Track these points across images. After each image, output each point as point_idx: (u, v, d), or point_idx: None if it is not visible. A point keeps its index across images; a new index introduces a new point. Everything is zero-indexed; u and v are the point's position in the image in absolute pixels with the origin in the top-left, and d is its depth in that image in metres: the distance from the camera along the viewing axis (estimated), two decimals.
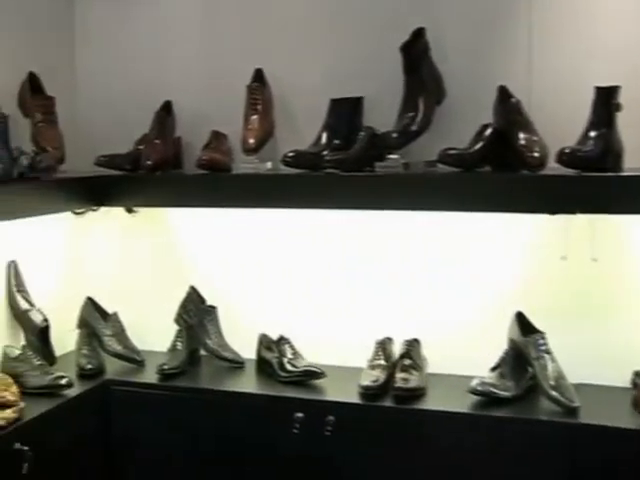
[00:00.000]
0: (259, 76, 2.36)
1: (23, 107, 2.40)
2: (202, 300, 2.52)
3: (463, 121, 2.19)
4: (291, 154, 2.20)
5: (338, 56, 2.36)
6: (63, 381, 2.24)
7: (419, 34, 2.16)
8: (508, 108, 2.10)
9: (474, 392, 2.07)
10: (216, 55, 2.51)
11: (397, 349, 2.31)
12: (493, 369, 2.15)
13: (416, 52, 2.16)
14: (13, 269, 2.40)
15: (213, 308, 2.50)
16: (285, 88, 2.39)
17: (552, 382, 1.99)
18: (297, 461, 2.18)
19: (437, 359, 2.29)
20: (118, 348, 2.49)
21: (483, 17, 2.25)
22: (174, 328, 2.49)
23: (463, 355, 2.27)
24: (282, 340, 2.36)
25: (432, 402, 2.13)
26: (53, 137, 2.36)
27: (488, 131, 2.11)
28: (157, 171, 2.37)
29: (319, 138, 2.28)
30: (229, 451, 2.25)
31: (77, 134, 2.55)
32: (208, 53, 2.52)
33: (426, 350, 2.31)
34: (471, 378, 2.11)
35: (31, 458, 1.99)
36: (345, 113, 2.29)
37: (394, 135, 2.14)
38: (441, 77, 2.22)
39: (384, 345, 2.30)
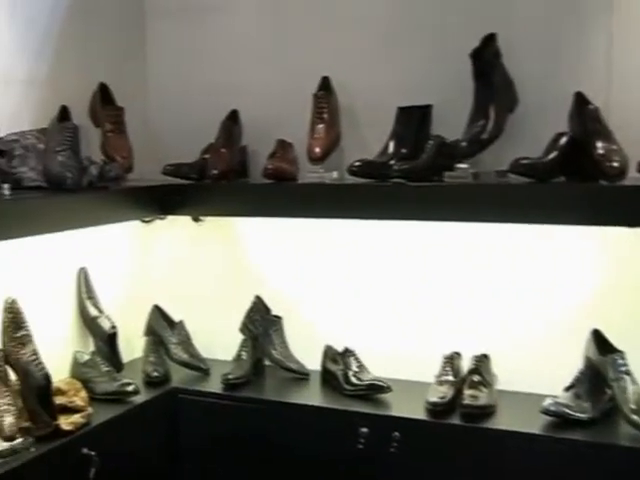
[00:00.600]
0: (326, 84, 2.38)
1: (94, 117, 2.47)
2: (267, 310, 2.54)
3: (536, 129, 2.15)
4: (357, 163, 2.20)
5: (406, 63, 2.35)
6: (130, 388, 2.30)
7: (490, 39, 2.14)
8: (585, 115, 2.04)
9: (547, 412, 2.01)
10: (283, 64, 2.53)
11: (466, 364, 2.27)
12: (567, 389, 2.09)
13: (487, 58, 2.14)
14: (83, 276, 2.48)
15: (278, 318, 2.52)
16: (352, 96, 2.40)
17: (633, 405, 1.92)
18: (361, 477, 2.17)
19: (507, 376, 2.25)
20: (184, 356, 2.54)
21: (559, 20, 2.20)
22: (239, 337, 2.52)
23: (535, 372, 2.22)
24: (347, 352, 2.36)
25: (502, 421, 2.09)
26: (122, 147, 2.42)
27: (563, 140, 2.06)
28: (223, 180, 2.40)
29: (386, 147, 2.27)
30: (291, 463, 2.26)
31: (146, 143, 2.62)
32: (275, 63, 2.55)
33: (496, 366, 2.27)
34: (543, 397, 2.05)
35: (98, 463, 2.06)
36: (413, 121, 2.27)
37: (463, 144, 2.12)
38: (513, 83, 2.18)
39: (452, 360, 2.28)
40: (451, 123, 2.22)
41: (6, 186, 1.97)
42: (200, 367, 2.52)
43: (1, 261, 2.15)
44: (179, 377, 2.50)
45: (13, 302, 2.06)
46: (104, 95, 2.48)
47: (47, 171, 2.11)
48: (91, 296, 2.48)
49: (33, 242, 2.11)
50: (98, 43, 2.55)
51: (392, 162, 2.21)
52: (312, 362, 2.47)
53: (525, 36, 2.21)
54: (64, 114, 2.28)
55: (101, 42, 2.56)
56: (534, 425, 2.02)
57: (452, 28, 2.28)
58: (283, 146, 2.41)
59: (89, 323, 2.46)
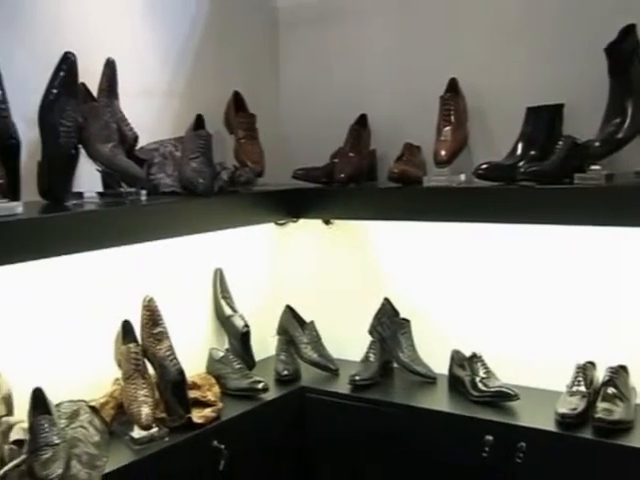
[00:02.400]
0: (453, 86, 2.41)
1: (228, 125, 2.65)
2: (396, 313, 2.61)
3: None
4: (484, 166, 2.23)
5: (535, 62, 2.36)
6: (260, 385, 2.44)
7: (628, 32, 2.09)
8: None
9: None
10: (410, 69, 2.60)
11: (600, 375, 2.24)
12: None
13: (624, 52, 2.10)
14: (219, 276, 2.66)
15: (407, 321, 2.59)
16: (480, 98, 2.42)
17: None
18: None
19: None
20: (314, 356, 2.66)
21: None
22: (368, 339, 2.61)
23: None
24: (475, 358, 2.40)
25: (639, 439, 2.04)
26: (253, 152, 2.57)
27: None
28: (351, 183, 2.49)
29: (515, 149, 2.29)
30: (414, 467, 2.33)
31: (277, 149, 2.77)
32: (403, 68, 2.62)
33: (635, 379, 2.22)
34: None
35: (227, 456, 2.20)
36: (543, 122, 2.27)
37: (597, 144, 2.10)
38: None
39: (585, 370, 2.26)
40: (584, 123, 2.19)
41: (143, 192, 2.14)
42: (329, 367, 2.64)
43: (140, 262, 2.36)
44: (308, 376, 2.62)
45: (151, 300, 2.26)
46: (238, 103, 2.65)
47: (181, 177, 2.29)
48: (226, 296, 2.66)
49: (171, 244, 2.27)
50: (232, 54, 2.73)
51: (520, 164, 2.22)
52: (439, 366, 2.52)
53: None
54: (199, 123, 2.45)
55: (235, 53, 2.74)
56: None
57: (584, 22, 2.26)
58: (410, 149, 2.47)
59: (224, 321, 2.64)
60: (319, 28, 2.79)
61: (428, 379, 2.52)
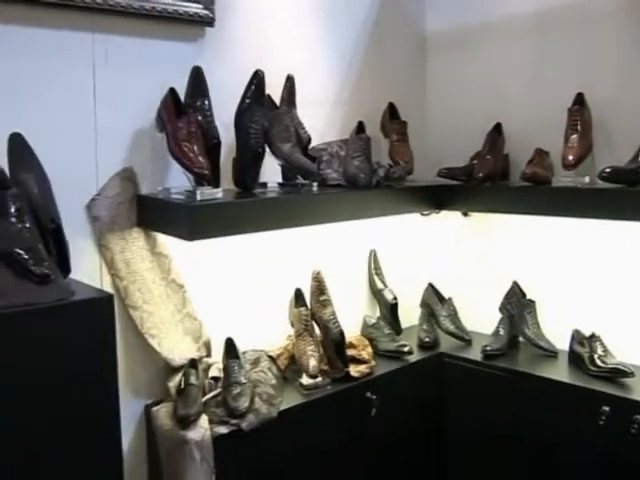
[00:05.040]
0: (580, 100, 2.36)
1: (383, 130, 2.70)
2: (523, 294, 2.58)
3: None
4: (608, 170, 2.15)
5: None
6: (406, 349, 2.49)
7: None
8: None
9: None
10: (541, 84, 2.55)
11: None
12: None
13: None
14: (373, 256, 2.73)
15: (532, 302, 2.55)
16: (604, 110, 2.35)
17: None
18: (600, 452, 2.15)
19: None
20: (451, 327, 2.67)
21: None
22: (498, 315, 2.60)
23: None
24: (594, 337, 2.33)
25: None
26: (405, 153, 2.60)
27: None
28: (487, 182, 2.48)
29: (636, 156, 2.19)
30: (532, 430, 2.31)
31: (424, 151, 2.80)
32: (535, 83, 2.57)
33: None
34: None
35: (377, 405, 2.28)
36: None
37: None
38: None
39: None
40: None
41: (315, 184, 2.21)
42: (464, 337, 2.65)
43: (311, 241, 2.47)
44: (446, 344, 2.64)
45: (318, 273, 2.37)
46: (392, 112, 2.70)
47: (345, 172, 2.35)
48: (378, 272, 2.72)
49: (335, 227, 2.36)
50: (388, 71, 2.77)
51: None
52: (560, 343, 2.47)
53: None
54: (360, 127, 2.49)
55: (390, 70, 2.78)
56: None
57: None
58: (540, 154, 2.44)
59: (376, 294, 2.70)
60: (460, 49, 2.80)
61: (550, 353, 2.48)
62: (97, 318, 1.57)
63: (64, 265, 1.71)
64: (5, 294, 1.49)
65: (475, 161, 2.57)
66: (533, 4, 2.56)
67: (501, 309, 2.61)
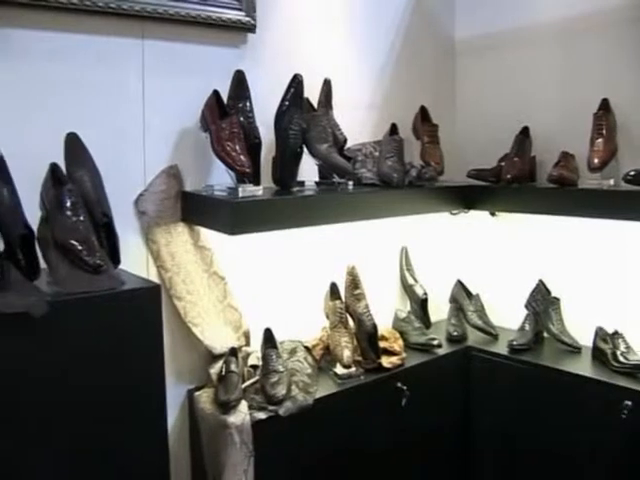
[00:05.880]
0: (605, 105, 2.33)
1: (415, 132, 2.69)
2: (548, 292, 2.55)
3: None
4: (632, 172, 2.13)
5: None
6: (435, 342, 2.47)
7: None
8: None
9: None
10: (568, 88, 2.52)
11: None
12: None
13: None
14: (404, 252, 2.72)
15: (557, 300, 2.52)
16: (627, 115, 2.32)
17: None
18: (621, 445, 2.12)
19: None
20: (478, 322, 2.65)
21: None
22: (524, 312, 2.57)
23: None
24: (616, 334, 2.30)
25: None
26: (436, 155, 2.58)
27: None
28: (514, 183, 2.45)
29: None
30: (558, 421, 2.28)
31: (454, 153, 2.77)
32: (561, 87, 2.54)
33: None
34: None
35: (408, 395, 2.27)
36: None
37: None
38: None
39: None
40: None
41: (350, 183, 2.21)
42: (491, 332, 2.62)
43: (345, 237, 2.47)
44: (473, 338, 2.61)
45: (353, 268, 2.36)
46: (424, 115, 2.68)
47: (379, 172, 2.35)
48: (409, 268, 2.71)
49: (369, 225, 2.35)
50: (419, 76, 2.76)
51: None
52: (584, 339, 2.44)
53: None
54: (393, 129, 2.52)
55: (421, 75, 2.77)
56: None
57: None
58: (566, 157, 2.40)
59: (407, 289, 2.69)
60: (489, 54, 2.77)
61: (574, 349, 2.44)
62: (145, 306, 1.60)
63: (115, 256, 1.73)
64: (62, 282, 1.52)
65: (503, 163, 2.54)
66: (561, 10, 2.53)
67: (527, 306, 2.58)
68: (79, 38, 1.87)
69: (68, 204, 1.59)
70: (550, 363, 2.36)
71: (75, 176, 1.72)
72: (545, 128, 2.55)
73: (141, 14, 1.95)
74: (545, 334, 2.56)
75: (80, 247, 1.56)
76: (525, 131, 2.57)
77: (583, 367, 2.31)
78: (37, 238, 1.60)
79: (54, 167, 1.68)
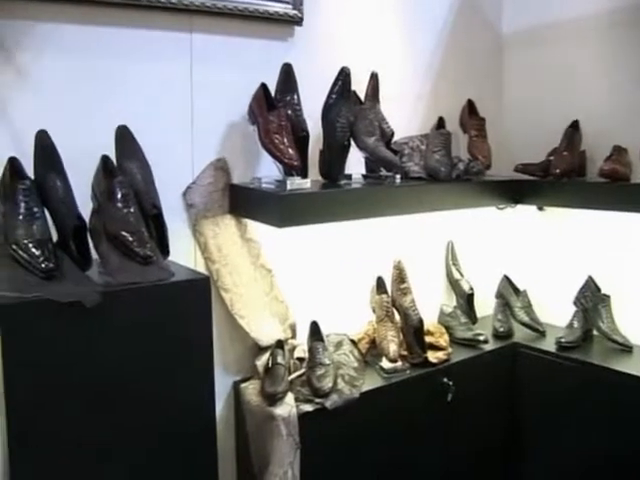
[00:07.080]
0: None
1: (462, 126, 2.62)
2: (598, 288, 2.46)
3: None
4: None
5: None
6: (481, 337, 2.42)
7: None
8: None
9: None
10: (618, 82, 2.41)
11: None
12: None
13: None
14: (450, 247, 2.65)
15: (607, 297, 2.42)
16: None
17: None
18: None
19: None
20: (525, 318, 2.57)
21: None
22: (572, 309, 2.48)
23: None
24: None
25: None
26: (483, 149, 2.51)
27: None
28: (563, 178, 2.37)
29: None
30: (604, 420, 2.20)
31: (502, 147, 2.68)
32: (611, 80, 2.43)
33: None
34: None
35: (454, 391, 2.21)
36: None
37: None
38: None
39: None
40: None
41: (397, 176, 2.16)
42: (538, 329, 2.54)
43: (392, 231, 2.41)
44: (520, 334, 2.54)
45: (399, 262, 2.31)
46: (471, 108, 2.61)
47: (426, 166, 2.29)
48: (455, 263, 2.64)
49: (416, 218, 2.29)
50: (467, 69, 2.68)
51: None
52: (635, 338, 2.34)
53: None
54: (441, 123, 2.47)
55: (469, 68, 2.69)
56: None
57: None
58: (619, 151, 2.30)
59: (453, 284, 2.62)
60: (537, 48, 2.67)
61: (625, 348, 2.34)
62: (195, 298, 1.58)
63: (164, 248, 1.72)
64: (113, 273, 1.50)
65: (552, 157, 2.46)
66: (611, 1, 2.41)
67: (575, 302, 2.48)
68: (128, 33, 1.85)
69: (119, 196, 1.57)
70: (600, 362, 2.27)
71: (125, 168, 1.71)
72: (595, 122, 2.45)
73: (189, 8, 1.93)
74: (595, 332, 2.46)
75: (131, 238, 1.54)
76: (575, 125, 2.48)
77: (635, 366, 2.21)
78: (89, 229, 1.60)
79: (105, 159, 1.67)
